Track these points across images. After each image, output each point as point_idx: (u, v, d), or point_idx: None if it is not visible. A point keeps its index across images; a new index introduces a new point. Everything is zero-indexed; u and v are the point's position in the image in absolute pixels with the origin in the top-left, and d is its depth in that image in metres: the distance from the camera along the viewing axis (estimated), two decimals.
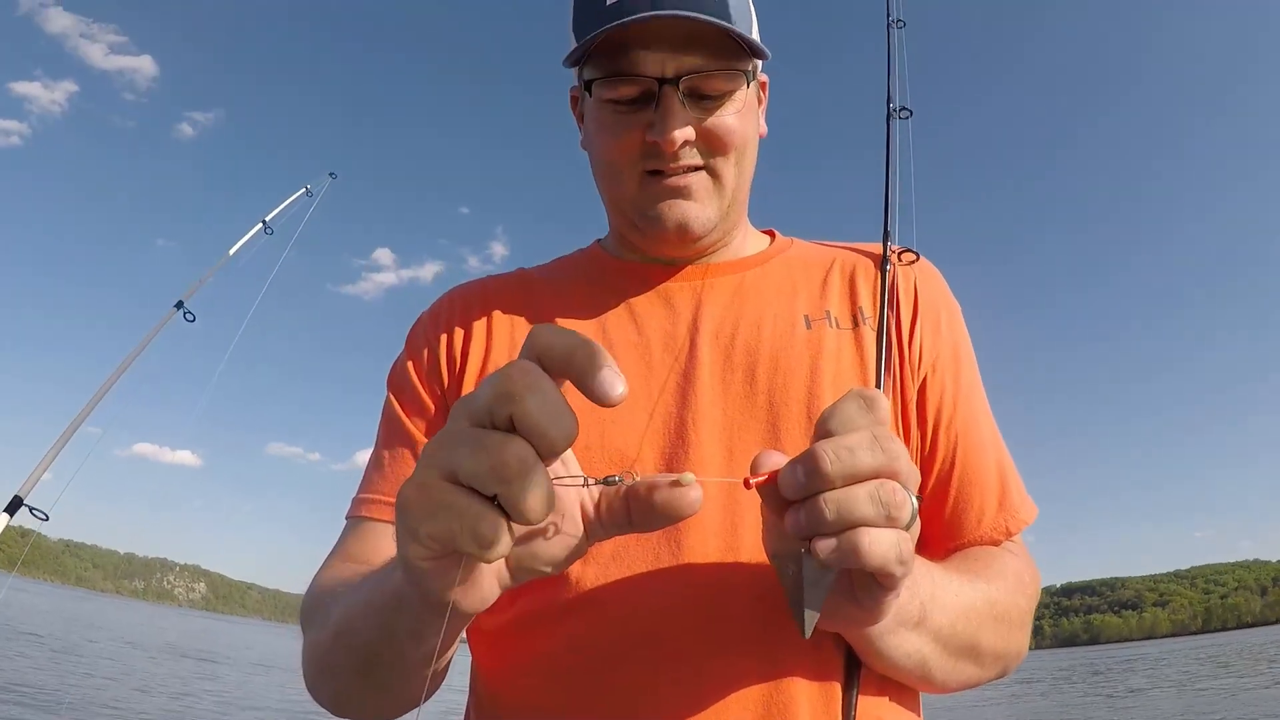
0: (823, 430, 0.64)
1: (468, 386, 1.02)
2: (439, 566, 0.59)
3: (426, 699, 0.88)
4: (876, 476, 0.61)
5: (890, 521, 0.61)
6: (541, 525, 0.59)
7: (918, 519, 0.67)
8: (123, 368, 4.34)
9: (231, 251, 5.18)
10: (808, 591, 0.64)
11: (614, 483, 0.61)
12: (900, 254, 1.09)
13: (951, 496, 1.01)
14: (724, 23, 0.93)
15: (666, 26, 0.94)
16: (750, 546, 0.88)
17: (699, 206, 1.01)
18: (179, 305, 4.69)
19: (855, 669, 0.86)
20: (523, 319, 1.08)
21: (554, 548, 0.64)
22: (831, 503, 0.60)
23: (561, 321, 1.04)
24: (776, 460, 0.64)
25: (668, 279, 1.08)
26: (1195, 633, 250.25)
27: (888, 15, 1.31)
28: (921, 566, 0.82)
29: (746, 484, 0.63)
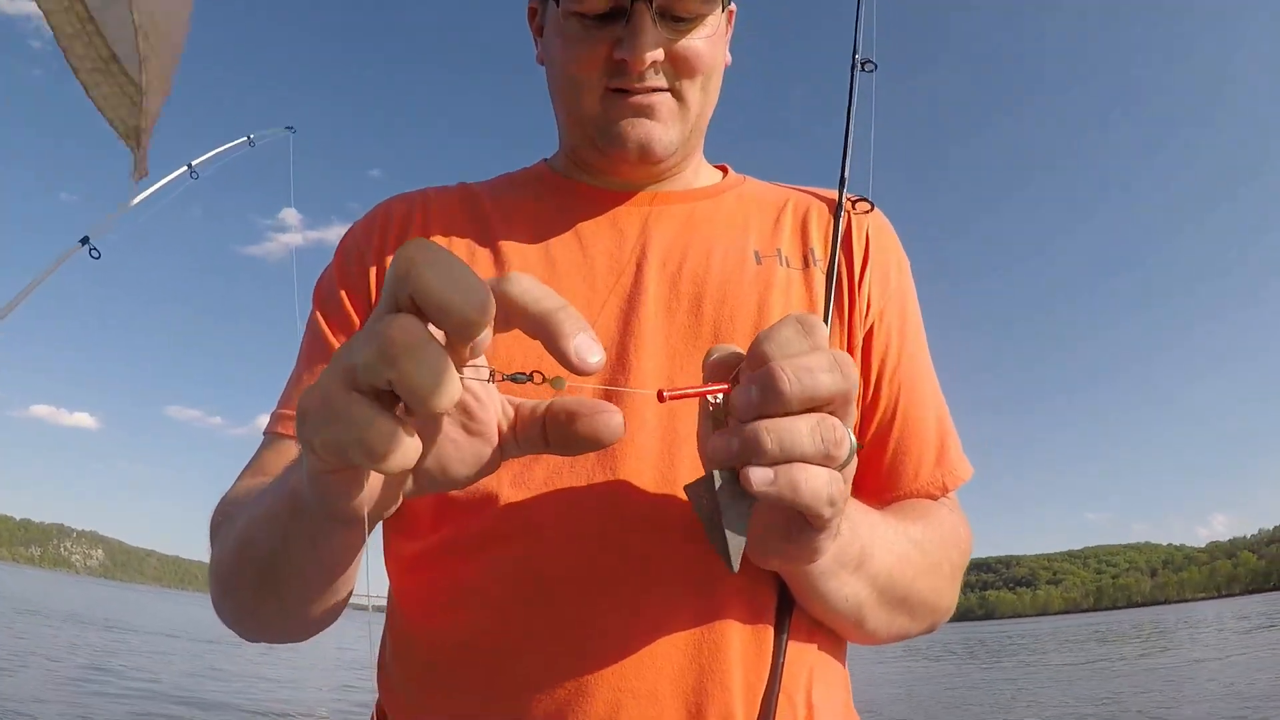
0: (756, 352, 0.61)
1: None
2: (339, 478, 0.56)
3: (326, 623, 0.92)
4: (832, 403, 0.60)
5: (828, 460, 0.60)
6: (439, 416, 0.55)
7: (855, 459, 0.65)
8: (23, 295, 4.30)
9: (149, 191, 4.91)
10: (728, 518, 0.62)
11: (521, 380, 0.55)
12: (855, 202, 1.08)
13: (891, 448, 1.01)
14: None
15: None
16: (688, 475, 0.82)
17: (662, 127, 0.99)
18: (84, 240, 4.59)
19: (787, 612, 0.86)
20: (465, 235, 1.04)
21: (462, 457, 0.60)
22: (773, 432, 0.58)
23: (505, 240, 1.02)
24: (728, 359, 0.63)
25: (617, 204, 1.06)
26: (1086, 610, 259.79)
27: None
28: (860, 511, 0.83)
29: (660, 397, 0.58)
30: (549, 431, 0.60)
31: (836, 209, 1.05)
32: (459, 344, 0.50)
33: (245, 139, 5.67)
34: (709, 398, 0.62)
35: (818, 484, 0.59)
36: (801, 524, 0.66)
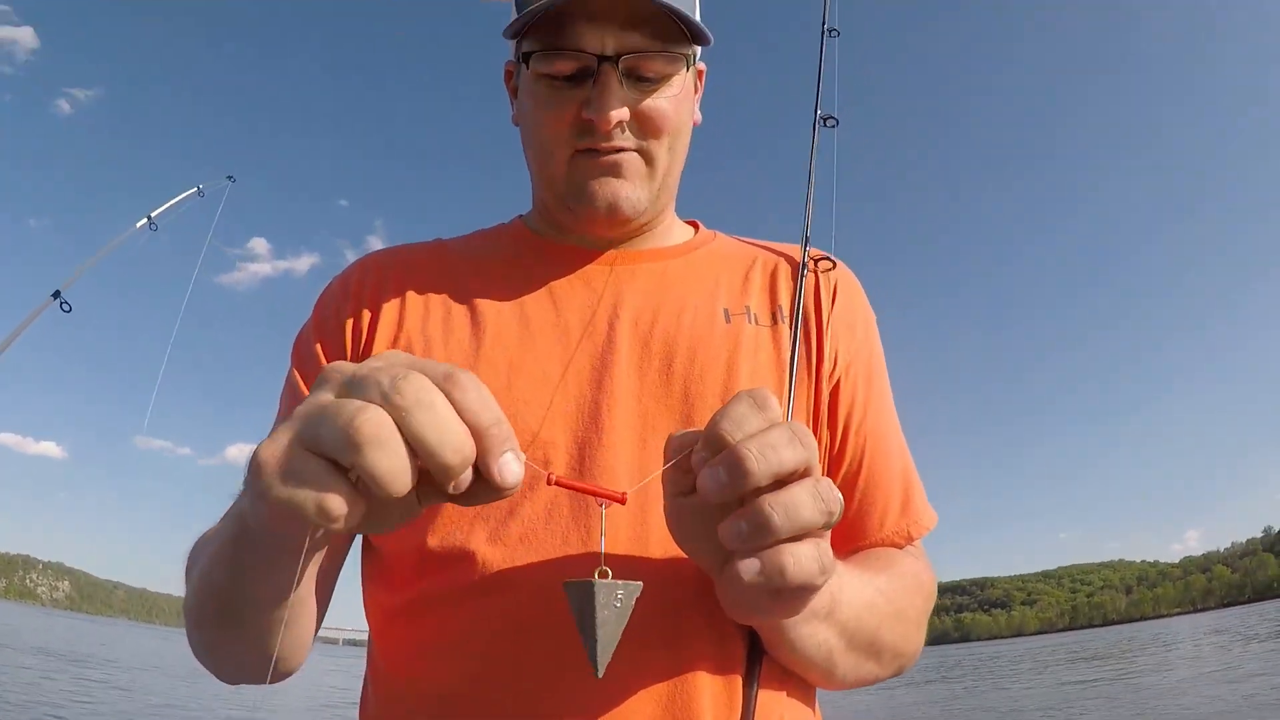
0: (713, 434, 0.63)
1: None
2: (290, 528, 0.58)
3: (292, 660, 0.95)
4: (796, 474, 0.63)
5: (829, 519, 0.63)
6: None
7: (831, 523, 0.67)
8: None
9: (111, 245, 5.25)
10: (604, 624, 0.63)
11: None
12: (818, 261, 1.09)
13: (857, 498, 1.03)
14: (667, 4, 0.93)
15: (610, 3, 0.93)
16: (660, 534, 0.86)
17: (630, 186, 1.00)
18: (56, 295, 4.71)
19: (757, 662, 0.87)
20: (440, 294, 1.05)
21: (391, 513, 0.62)
22: (778, 506, 0.61)
23: (481, 298, 1.03)
24: (689, 441, 0.66)
25: (590, 262, 1.07)
26: (1062, 630, 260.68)
27: (823, 24, 1.30)
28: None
29: (549, 481, 0.63)
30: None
31: (800, 266, 1.06)
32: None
33: (195, 189, 6.03)
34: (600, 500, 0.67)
35: (806, 562, 0.62)
36: (790, 590, 0.68)
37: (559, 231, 1.10)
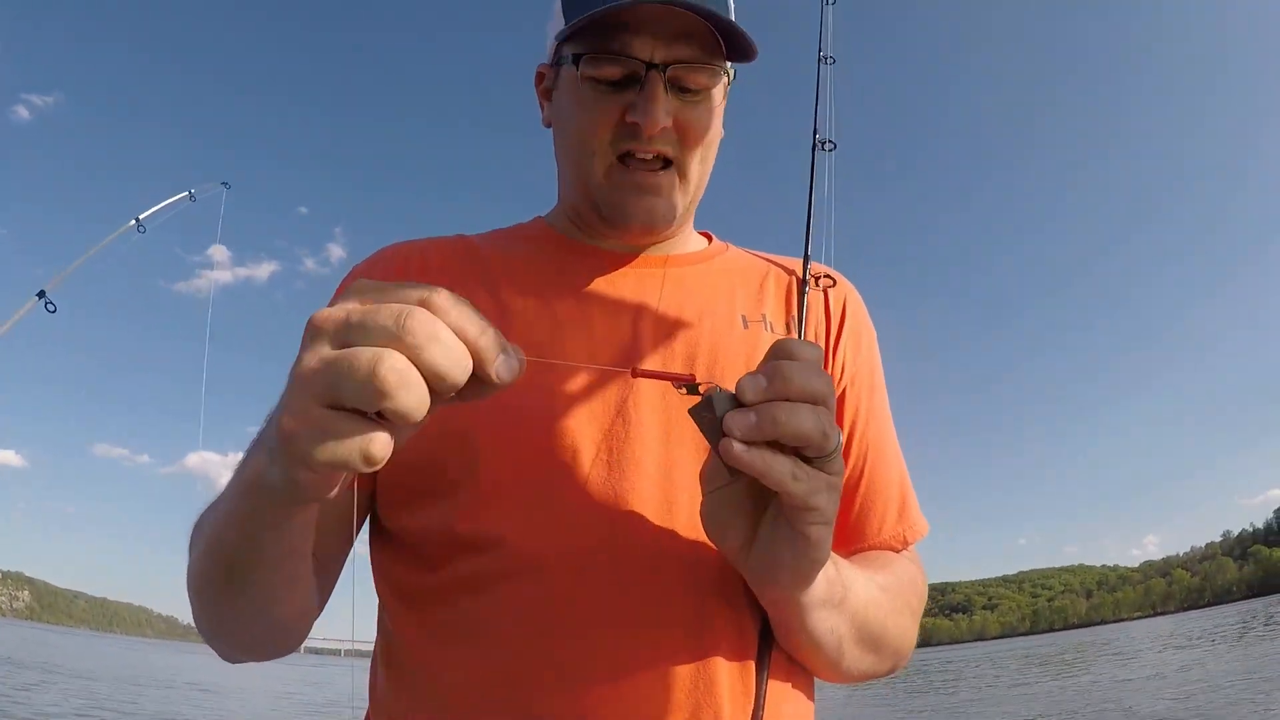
0: (774, 349, 0.72)
1: None
2: (326, 482, 0.63)
3: (297, 630, 0.96)
4: (821, 403, 0.69)
5: (825, 439, 0.69)
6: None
7: (840, 464, 0.74)
8: None
9: (100, 246, 5.26)
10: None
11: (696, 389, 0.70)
12: (819, 278, 1.15)
13: (857, 503, 1.09)
14: (721, 14, 0.96)
15: (664, 13, 0.96)
16: (683, 520, 0.92)
17: (665, 203, 1.05)
18: (40, 294, 4.76)
19: (768, 649, 0.92)
20: (467, 286, 1.07)
21: (401, 439, 0.63)
22: (785, 410, 0.67)
23: (509, 295, 1.06)
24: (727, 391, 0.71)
25: (614, 265, 1.11)
26: (1024, 634, 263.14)
27: (819, 51, 1.36)
28: (837, 556, 0.91)
29: (634, 373, 0.71)
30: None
31: (801, 287, 1.12)
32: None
33: (187, 194, 6.06)
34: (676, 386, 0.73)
35: (802, 421, 0.68)
36: (798, 538, 0.75)
37: (585, 233, 1.14)
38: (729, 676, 0.89)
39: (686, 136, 1.02)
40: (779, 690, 0.94)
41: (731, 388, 0.93)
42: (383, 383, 0.53)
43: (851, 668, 0.97)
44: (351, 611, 0.78)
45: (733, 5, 1.04)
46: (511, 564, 0.90)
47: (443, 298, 0.58)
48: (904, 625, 1.02)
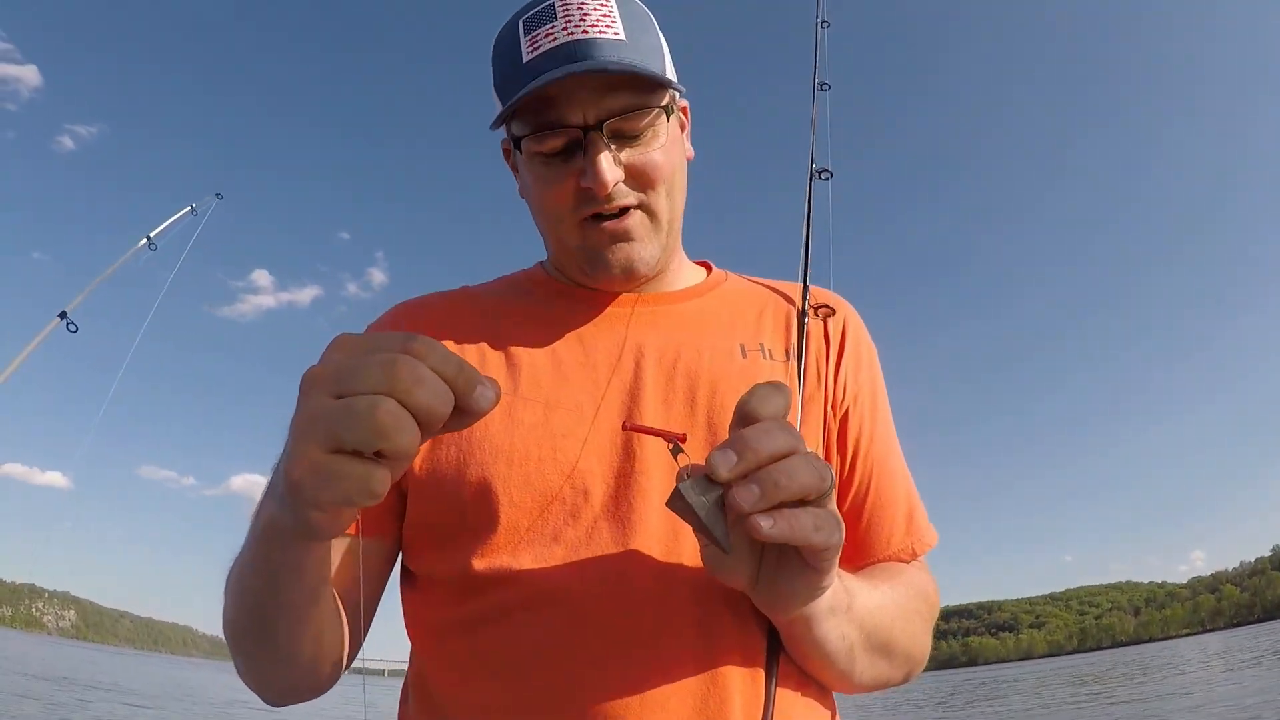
0: (741, 408, 0.75)
1: None
2: (332, 519, 0.68)
3: (328, 673, 1.00)
4: (794, 451, 0.72)
5: (822, 483, 0.72)
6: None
7: (835, 493, 0.77)
8: (4, 376, 4.57)
9: (115, 266, 5.40)
10: (709, 514, 0.73)
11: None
12: (817, 309, 1.16)
13: (865, 519, 1.11)
14: (634, 68, 0.98)
15: (579, 80, 0.99)
16: (691, 546, 0.94)
17: (641, 246, 1.07)
18: (62, 315, 4.84)
19: (775, 657, 0.93)
20: (472, 338, 1.11)
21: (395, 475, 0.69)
22: (781, 473, 0.70)
23: (514, 344, 1.09)
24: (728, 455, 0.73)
25: (614, 306, 1.14)
26: (1071, 652, 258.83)
27: (814, 78, 1.37)
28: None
29: (624, 427, 0.78)
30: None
31: (800, 316, 1.13)
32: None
33: (189, 208, 6.29)
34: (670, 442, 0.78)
35: (801, 476, 0.71)
36: (803, 565, 0.78)
37: (578, 280, 1.16)
38: (740, 685, 0.91)
39: (643, 180, 1.04)
40: (790, 699, 0.95)
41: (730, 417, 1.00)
42: (381, 426, 0.59)
43: (864, 675, 0.99)
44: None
45: (658, 38, 1.08)
46: (527, 596, 0.93)
47: (420, 344, 0.63)
48: (914, 631, 1.04)
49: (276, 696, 1.01)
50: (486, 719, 0.92)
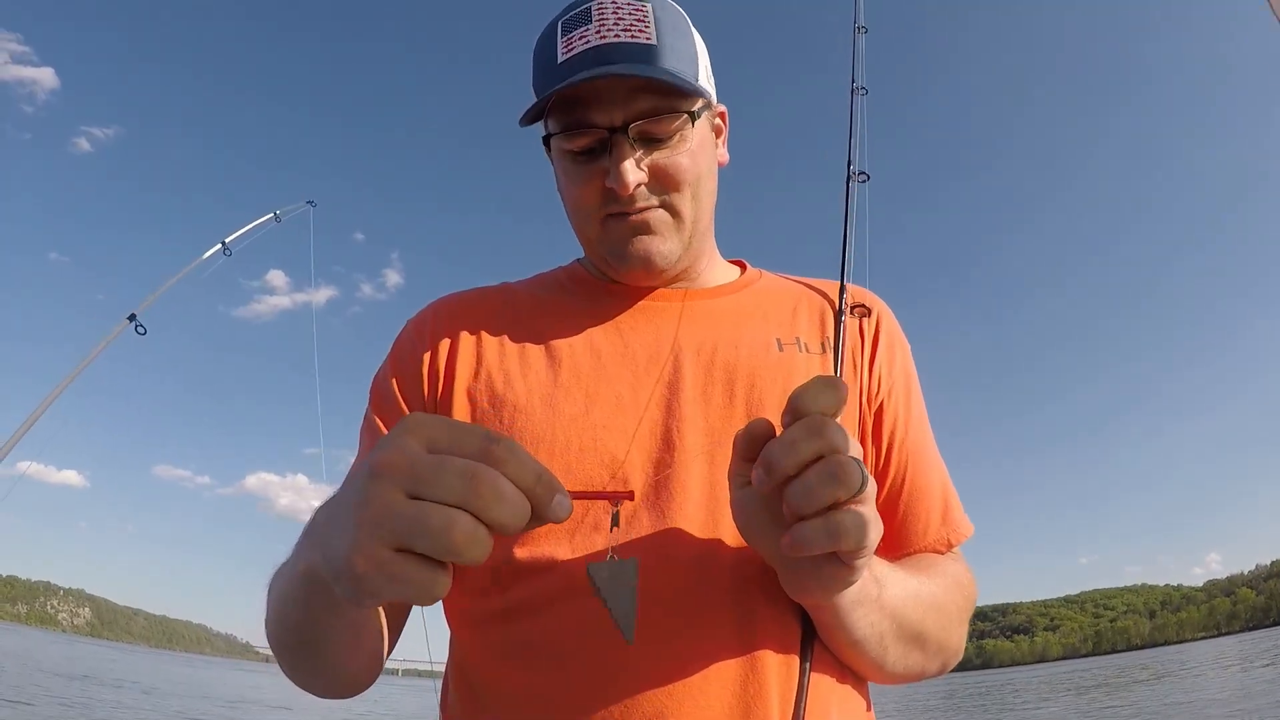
0: (791, 401, 0.75)
1: (456, 400, 1.07)
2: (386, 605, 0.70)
3: (375, 670, 1.03)
4: (820, 458, 0.72)
5: (844, 487, 0.71)
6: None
7: (871, 488, 0.75)
8: (72, 376, 4.66)
9: (187, 269, 5.39)
10: (619, 598, 0.77)
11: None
12: (854, 308, 1.17)
13: (901, 509, 1.12)
14: (661, 75, 1.00)
15: (610, 83, 1.00)
16: (729, 524, 0.94)
17: (660, 240, 1.08)
18: (131, 317, 4.86)
19: (810, 642, 0.95)
20: (513, 332, 1.13)
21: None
22: (799, 488, 0.71)
23: (554, 338, 1.11)
24: (759, 429, 0.77)
25: (651, 300, 1.15)
26: (1086, 655, 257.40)
27: (852, 82, 1.38)
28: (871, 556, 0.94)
29: (571, 496, 0.71)
30: None
31: (837, 316, 1.14)
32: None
33: (272, 215, 6.12)
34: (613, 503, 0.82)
35: (819, 489, 0.71)
36: (833, 558, 0.77)
37: (611, 276, 1.18)
38: (777, 671, 0.91)
39: (667, 182, 1.05)
40: (826, 685, 0.96)
41: (772, 409, 1.01)
42: (454, 543, 0.59)
43: (896, 665, 0.99)
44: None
45: (694, 44, 1.09)
46: (567, 584, 0.94)
47: (502, 449, 0.62)
48: (947, 623, 1.03)
49: (320, 694, 1.05)
50: (527, 706, 0.93)
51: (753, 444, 0.77)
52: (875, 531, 0.75)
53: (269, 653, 1.05)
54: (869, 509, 0.75)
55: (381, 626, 0.99)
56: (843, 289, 1.17)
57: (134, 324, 4.84)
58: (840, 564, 0.78)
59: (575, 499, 0.72)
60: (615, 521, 0.83)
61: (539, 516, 0.64)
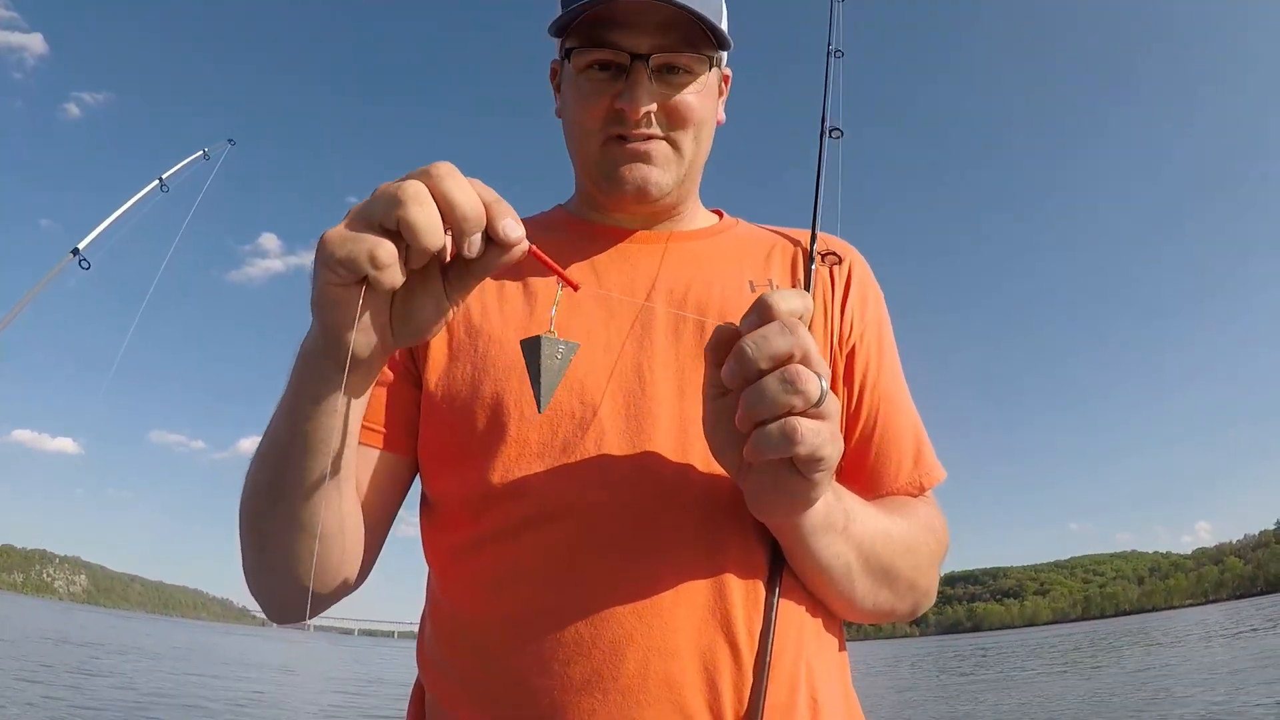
0: (758, 301, 0.77)
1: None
2: (344, 295, 0.74)
3: (340, 562, 1.01)
4: (793, 358, 0.74)
5: (798, 395, 0.73)
6: (427, 255, 0.73)
7: (832, 396, 0.77)
8: (18, 309, 4.58)
9: (126, 206, 5.38)
10: (547, 375, 0.82)
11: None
12: (825, 255, 1.22)
13: (873, 452, 1.14)
14: (696, 10, 1.04)
15: (645, 8, 1.04)
16: (699, 450, 0.98)
17: (658, 171, 1.12)
18: (74, 251, 4.91)
19: (778, 569, 0.97)
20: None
21: (425, 308, 0.81)
22: (752, 393, 0.74)
23: (529, 273, 1.14)
24: (726, 332, 0.79)
25: (628, 240, 1.19)
26: (1075, 620, 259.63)
27: (828, 45, 1.45)
28: (842, 488, 0.97)
29: (529, 251, 0.79)
30: (470, 262, 0.77)
31: (808, 263, 1.19)
32: (458, 239, 0.72)
33: (201, 152, 6.26)
34: None
35: (773, 396, 0.73)
36: (792, 469, 0.78)
37: (597, 212, 1.22)
38: (744, 597, 0.94)
39: (674, 118, 1.11)
40: (797, 616, 0.99)
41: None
42: (400, 192, 0.68)
43: (865, 600, 1.02)
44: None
45: (722, 4, 1.13)
46: (537, 510, 0.97)
47: (444, 168, 0.72)
48: (918, 561, 1.06)
49: (283, 596, 1.02)
50: (500, 632, 0.96)
51: (721, 347, 0.78)
52: (834, 446, 0.77)
53: (265, 617, 1.07)
54: (829, 425, 0.76)
55: (352, 505, 1.00)
56: (814, 236, 1.22)
57: (78, 258, 4.89)
58: (799, 476, 0.78)
59: (534, 255, 0.80)
60: (557, 302, 0.87)
61: (492, 234, 0.72)
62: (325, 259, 0.72)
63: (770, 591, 0.96)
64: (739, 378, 0.75)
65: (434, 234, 0.69)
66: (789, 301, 0.76)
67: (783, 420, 0.73)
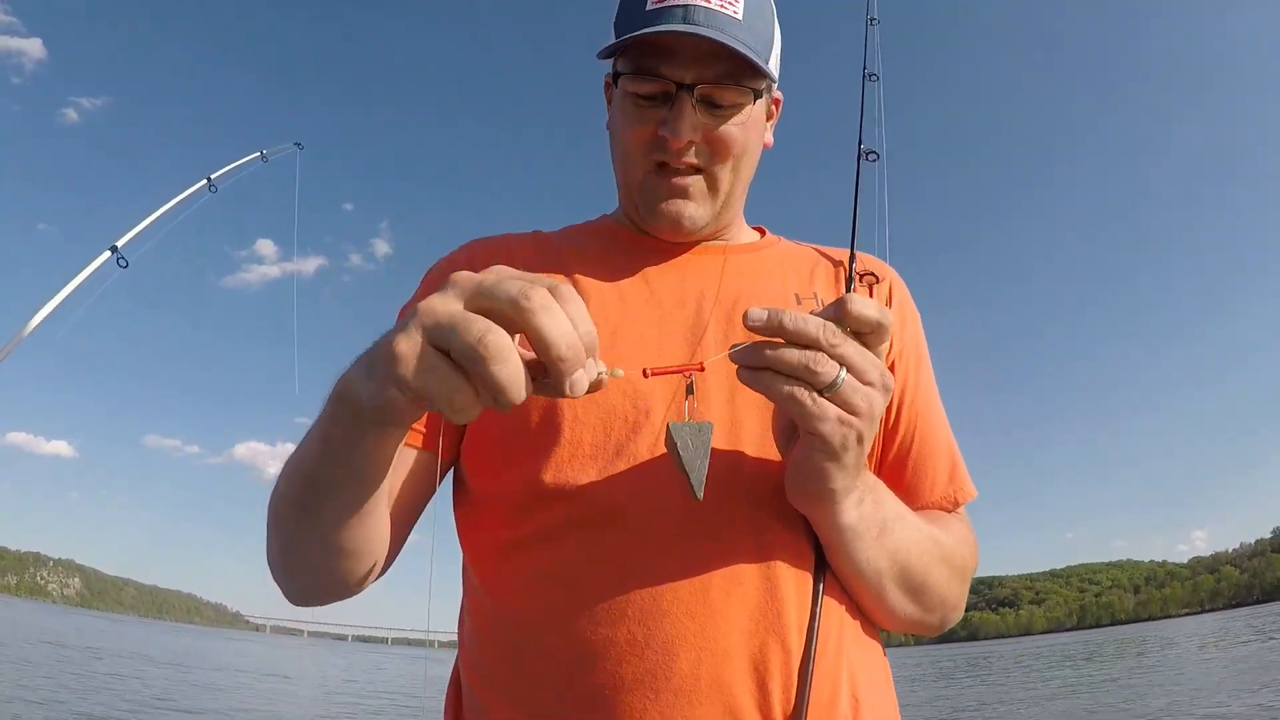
0: (840, 299, 0.85)
1: None
2: (408, 406, 0.70)
3: (361, 568, 1.02)
4: (817, 344, 0.82)
5: (807, 372, 0.81)
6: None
7: (856, 398, 0.84)
8: (51, 306, 4.38)
9: (172, 203, 5.15)
10: (690, 457, 0.83)
11: (617, 375, 0.76)
12: (863, 276, 1.24)
13: (910, 467, 1.17)
14: (741, 48, 1.06)
15: (693, 42, 1.06)
16: (749, 438, 1.02)
17: (694, 206, 1.15)
18: (113, 249, 4.67)
19: (822, 574, 0.99)
20: (543, 273, 1.14)
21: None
22: (772, 352, 0.82)
23: (581, 280, 1.17)
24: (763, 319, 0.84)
25: (675, 253, 1.22)
26: (1071, 629, 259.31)
27: (864, 69, 1.48)
28: (888, 493, 1.01)
29: (645, 374, 0.82)
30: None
31: (848, 279, 1.22)
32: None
33: (259, 154, 5.96)
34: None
35: (788, 354, 0.82)
36: (805, 463, 0.86)
37: (642, 230, 1.24)
38: (793, 593, 0.97)
39: (716, 149, 1.12)
40: (839, 618, 1.01)
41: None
42: (484, 348, 0.61)
43: (895, 608, 1.04)
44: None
45: (774, 31, 1.16)
46: (588, 511, 0.98)
47: (568, 290, 0.67)
48: (949, 576, 1.08)
49: (303, 588, 1.06)
50: (549, 630, 0.96)
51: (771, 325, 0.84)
52: (835, 429, 0.84)
53: (259, 622, 1.10)
54: (836, 410, 0.83)
55: (382, 511, 1.00)
56: (852, 256, 1.24)
57: (115, 255, 4.62)
58: (826, 455, 0.86)
59: (653, 375, 0.82)
60: (690, 390, 0.88)
61: (556, 385, 0.66)
62: (396, 377, 0.66)
63: (815, 590, 0.98)
64: (762, 326, 0.82)
65: (516, 394, 0.64)
66: (866, 307, 0.82)
67: (793, 387, 0.81)
